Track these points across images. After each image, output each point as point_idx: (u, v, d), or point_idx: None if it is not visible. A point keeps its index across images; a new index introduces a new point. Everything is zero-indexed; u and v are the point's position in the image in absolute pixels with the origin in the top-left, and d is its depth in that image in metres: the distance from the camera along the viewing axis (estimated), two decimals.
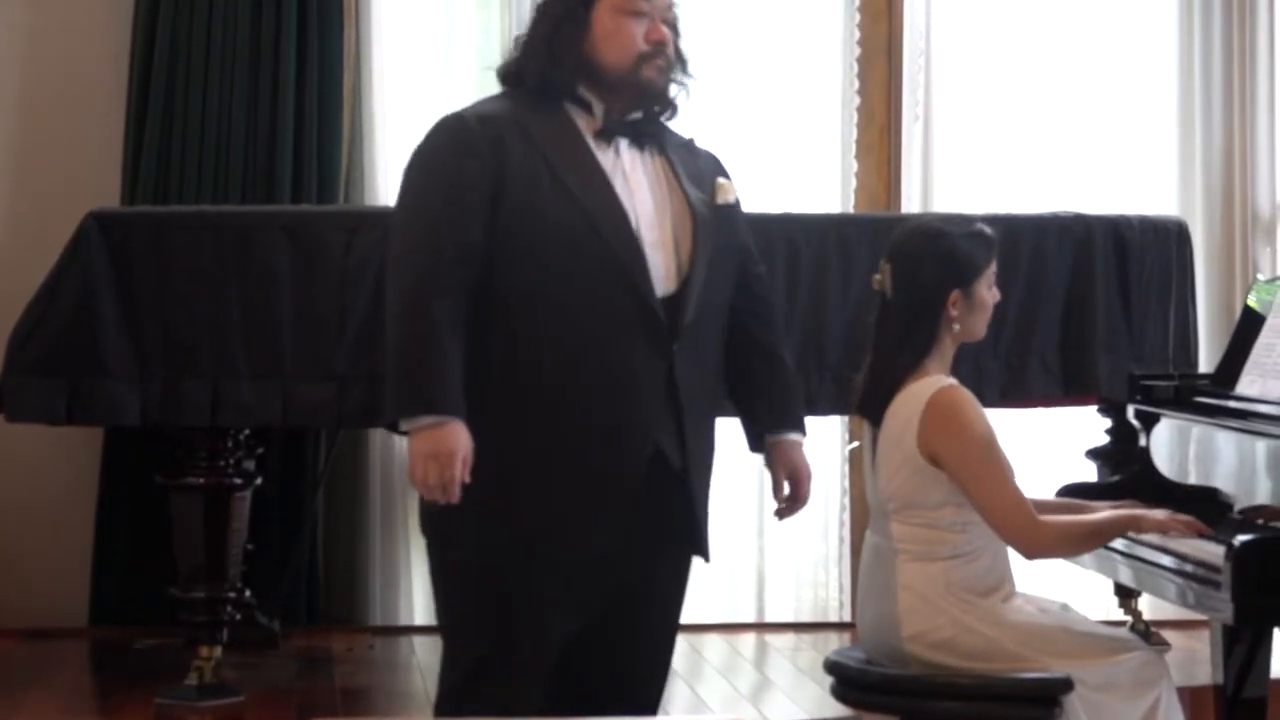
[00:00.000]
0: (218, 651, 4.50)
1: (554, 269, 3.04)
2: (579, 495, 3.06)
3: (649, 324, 3.05)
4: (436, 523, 3.10)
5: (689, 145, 3.24)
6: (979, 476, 3.31)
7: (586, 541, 3.06)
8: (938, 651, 3.35)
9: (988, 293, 3.42)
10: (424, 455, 2.99)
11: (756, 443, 3.31)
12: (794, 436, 3.33)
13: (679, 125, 3.24)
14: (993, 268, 3.43)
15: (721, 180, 3.20)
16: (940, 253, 3.39)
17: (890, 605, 3.40)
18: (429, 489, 2.98)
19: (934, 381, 3.33)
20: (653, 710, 3.23)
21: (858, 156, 5.69)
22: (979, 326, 3.46)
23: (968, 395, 3.36)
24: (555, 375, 3.05)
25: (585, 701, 3.09)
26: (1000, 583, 3.39)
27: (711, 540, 3.21)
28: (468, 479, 2.95)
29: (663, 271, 3.08)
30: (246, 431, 4.47)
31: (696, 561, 3.25)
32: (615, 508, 3.07)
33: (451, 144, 3.09)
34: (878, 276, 3.43)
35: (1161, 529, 3.44)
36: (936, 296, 3.37)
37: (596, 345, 3.06)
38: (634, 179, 3.12)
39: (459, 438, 2.98)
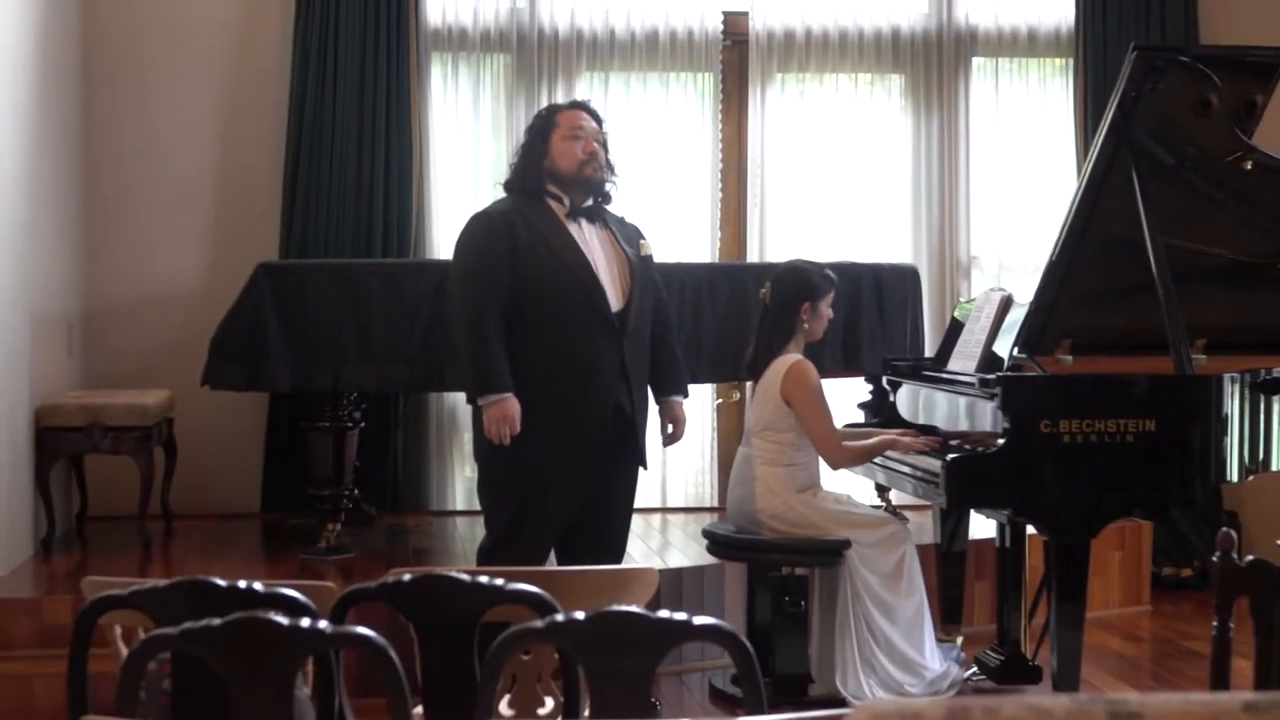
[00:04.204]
0: (338, 526, 4.96)
1: (548, 299, 3.39)
2: (569, 435, 3.46)
3: (609, 328, 3.39)
4: (486, 452, 3.51)
5: (621, 220, 3.65)
6: (811, 414, 3.78)
7: (574, 462, 3.46)
8: (776, 520, 3.83)
9: (827, 310, 3.91)
10: (495, 419, 3.38)
11: (658, 400, 3.76)
12: (678, 398, 3.79)
13: (614, 208, 3.60)
14: (831, 296, 3.90)
15: (643, 241, 3.62)
16: (799, 278, 3.85)
17: (749, 491, 3.88)
18: (498, 437, 3.38)
19: (792, 357, 3.85)
20: (619, 559, 3.59)
21: (720, 226, 6.17)
22: (818, 330, 3.93)
23: (811, 367, 3.84)
24: (551, 364, 3.42)
25: (580, 557, 3.47)
26: (813, 482, 3.97)
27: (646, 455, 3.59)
28: (518, 430, 3.39)
29: (614, 296, 3.43)
30: (354, 394, 4.96)
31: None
32: (591, 442, 3.47)
33: (484, 231, 3.47)
34: (763, 291, 3.86)
35: (909, 449, 3.87)
36: (795, 304, 3.84)
37: (576, 343, 3.38)
38: (592, 243, 3.48)
39: (514, 406, 3.38)
